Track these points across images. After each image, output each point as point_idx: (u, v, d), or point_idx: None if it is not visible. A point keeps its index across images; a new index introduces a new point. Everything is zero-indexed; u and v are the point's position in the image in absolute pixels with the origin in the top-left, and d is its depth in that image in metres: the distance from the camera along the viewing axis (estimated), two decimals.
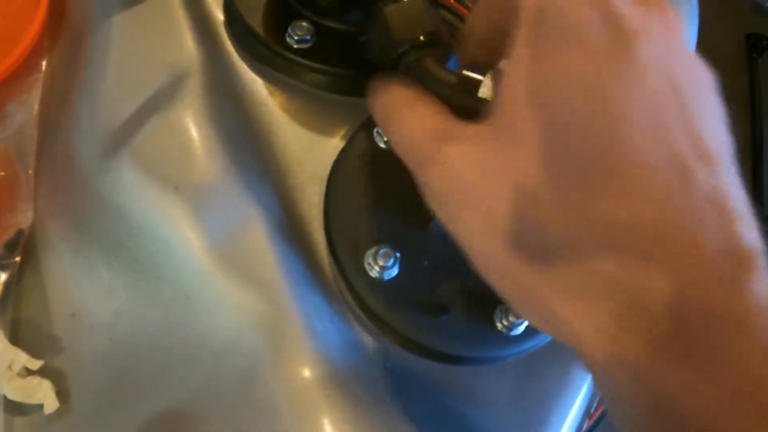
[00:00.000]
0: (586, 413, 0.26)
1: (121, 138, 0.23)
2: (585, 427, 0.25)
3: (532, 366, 0.23)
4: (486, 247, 0.15)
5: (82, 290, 0.25)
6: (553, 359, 0.23)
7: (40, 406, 0.24)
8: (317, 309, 0.21)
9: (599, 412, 0.26)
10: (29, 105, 0.28)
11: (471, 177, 0.15)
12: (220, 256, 0.21)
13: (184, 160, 0.22)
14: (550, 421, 0.22)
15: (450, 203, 0.16)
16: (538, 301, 0.14)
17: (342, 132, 0.25)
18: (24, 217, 0.26)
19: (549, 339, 0.23)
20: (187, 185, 0.22)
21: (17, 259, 0.26)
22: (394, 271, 0.21)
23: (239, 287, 0.21)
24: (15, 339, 0.25)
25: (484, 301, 0.22)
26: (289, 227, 0.23)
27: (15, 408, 0.24)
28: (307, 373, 0.20)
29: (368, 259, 0.21)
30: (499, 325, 0.22)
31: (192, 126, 0.23)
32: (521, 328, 0.22)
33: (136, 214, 0.22)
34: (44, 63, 0.29)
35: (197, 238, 0.21)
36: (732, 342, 0.11)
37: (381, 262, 0.21)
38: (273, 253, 0.21)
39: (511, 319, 0.22)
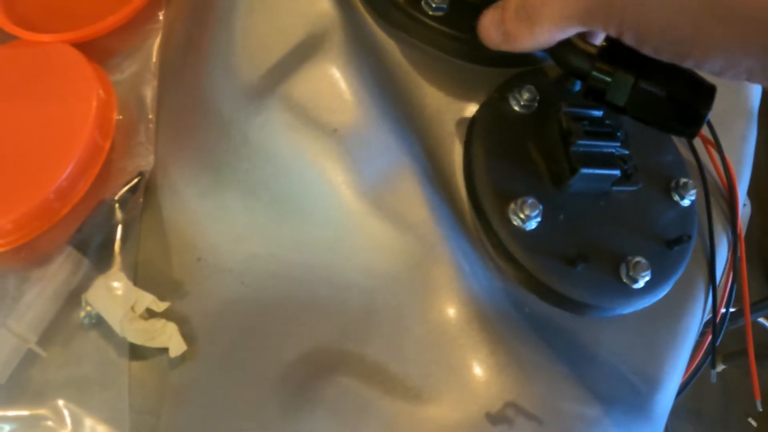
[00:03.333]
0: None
1: (269, 83, 0.23)
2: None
3: (648, 320, 0.25)
4: None
5: (210, 234, 0.24)
6: (665, 316, 0.25)
7: (162, 351, 0.23)
8: (466, 253, 0.22)
9: (691, 368, 0.28)
10: (145, 52, 0.28)
11: None
12: (373, 198, 0.22)
13: (338, 105, 0.23)
14: (662, 369, 0.24)
15: None
16: None
17: (475, 97, 0.26)
18: (143, 161, 0.26)
19: (662, 295, 0.25)
20: (345, 128, 0.22)
21: (140, 200, 0.25)
22: (535, 222, 0.23)
23: (393, 228, 0.22)
24: (134, 282, 0.24)
25: (611, 256, 0.24)
26: (435, 175, 0.24)
27: (134, 352, 0.23)
28: (456, 311, 0.21)
29: (513, 208, 0.23)
30: (624, 279, 0.24)
31: (340, 76, 0.23)
32: (642, 282, 0.24)
33: (287, 155, 0.23)
34: (161, 14, 0.29)
35: (352, 180, 0.22)
36: None
37: (527, 212, 0.22)
38: (423, 198, 0.22)
39: (637, 272, 0.23)
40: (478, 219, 0.23)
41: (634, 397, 0.23)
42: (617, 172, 0.24)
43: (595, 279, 0.23)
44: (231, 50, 0.25)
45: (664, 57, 0.19)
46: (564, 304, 0.23)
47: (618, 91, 0.21)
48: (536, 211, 0.23)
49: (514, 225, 0.23)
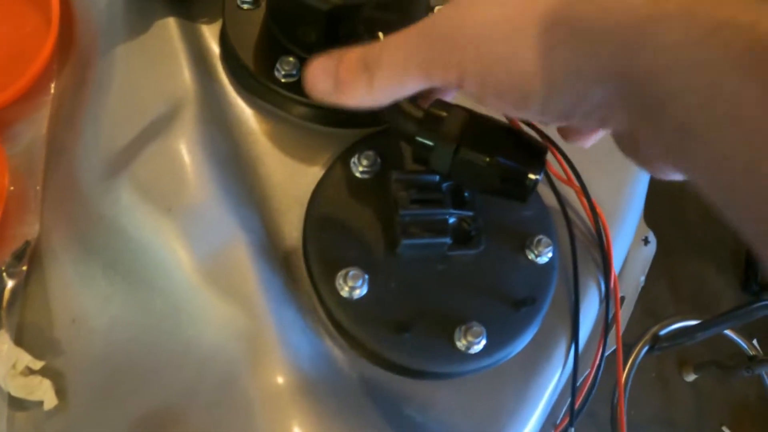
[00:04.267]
0: (551, 424, 0.28)
1: (120, 161, 0.25)
2: None
3: (490, 384, 0.25)
4: None
5: (82, 298, 0.27)
6: (510, 379, 0.25)
7: (40, 403, 0.26)
8: (292, 323, 0.23)
9: (563, 425, 0.27)
10: (38, 124, 0.30)
11: None
12: (205, 271, 0.23)
13: (177, 184, 0.24)
14: None
15: None
16: None
17: (323, 160, 0.27)
18: (31, 229, 0.29)
19: (508, 358, 0.25)
20: (179, 207, 0.24)
21: (24, 267, 0.28)
22: (363, 291, 0.24)
23: (222, 301, 0.23)
24: (19, 341, 0.27)
25: (446, 322, 0.24)
26: (270, 247, 0.25)
27: (17, 404, 0.26)
28: (280, 380, 0.23)
29: (339, 279, 0.23)
30: (458, 344, 0.24)
31: (185, 153, 0.25)
32: (479, 347, 0.24)
33: (132, 231, 0.24)
34: (53, 85, 0.31)
35: (186, 254, 0.24)
36: None
37: (351, 283, 0.23)
38: (253, 271, 0.23)
39: (470, 338, 0.24)
40: (313, 288, 0.24)
41: None
42: (446, 240, 0.24)
43: (425, 345, 0.24)
44: (97, 127, 0.27)
45: (509, 102, 0.17)
46: (395, 370, 0.24)
47: (440, 158, 0.21)
48: (360, 281, 0.23)
49: (341, 295, 0.23)
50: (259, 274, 0.23)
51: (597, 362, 0.27)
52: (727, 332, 0.85)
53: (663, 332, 0.68)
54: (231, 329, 0.23)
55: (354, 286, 0.23)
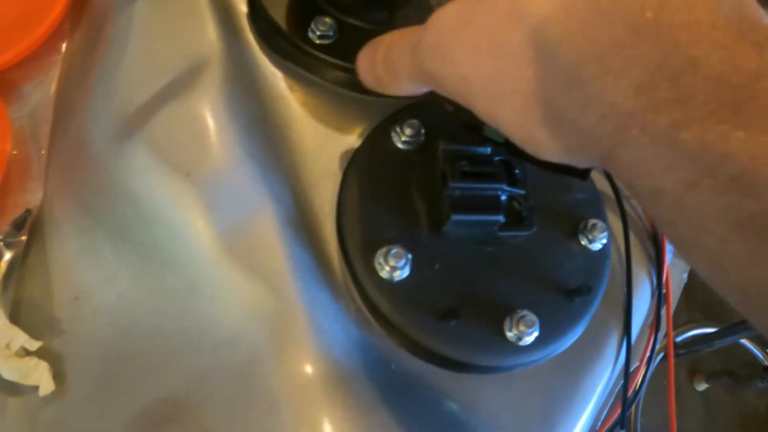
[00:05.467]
0: (592, 429, 0.26)
1: (135, 123, 0.23)
2: None
3: (539, 379, 0.22)
4: None
5: (86, 273, 0.24)
6: (561, 373, 0.23)
7: (35, 388, 0.24)
8: (324, 306, 0.21)
9: (615, 416, 0.25)
10: (46, 86, 0.28)
11: None
12: (227, 246, 0.21)
13: (198, 148, 0.22)
14: None
15: None
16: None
17: (359, 130, 0.24)
18: (33, 197, 0.26)
19: (559, 351, 0.22)
20: (200, 173, 0.21)
21: (23, 237, 0.25)
22: (405, 273, 0.21)
23: (245, 279, 0.21)
24: (16, 318, 0.24)
25: (495, 309, 0.22)
26: (300, 221, 0.22)
27: (10, 388, 0.24)
28: (309, 369, 0.20)
29: (379, 258, 0.21)
30: (508, 334, 0.21)
31: (208, 115, 0.22)
32: (530, 339, 0.21)
33: (145, 199, 0.22)
34: (64, 45, 0.29)
35: (206, 226, 0.21)
36: None
37: (392, 263, 0.21)
38: (281, 246, 0.21)
39: (522, 328, 0.21)
40: (347, 268, 0.22)
41: None
42: (499, 218, 0.21)
43: (472, 335, 0.21)
44: (111, 88, 0.25)
45: None
46: (437, 362, 0.22)
47: None
48: (402, 261, 0.21)
49: (380, 276, 0.21)
50: (287, 250, 0.21)
51: (648, 355, 0.25)
52: (743, 341, 0.83)
53: (678, 339, 0.65)
54: (254, 311, 0.21)
55: (395, 266, 0.21)
